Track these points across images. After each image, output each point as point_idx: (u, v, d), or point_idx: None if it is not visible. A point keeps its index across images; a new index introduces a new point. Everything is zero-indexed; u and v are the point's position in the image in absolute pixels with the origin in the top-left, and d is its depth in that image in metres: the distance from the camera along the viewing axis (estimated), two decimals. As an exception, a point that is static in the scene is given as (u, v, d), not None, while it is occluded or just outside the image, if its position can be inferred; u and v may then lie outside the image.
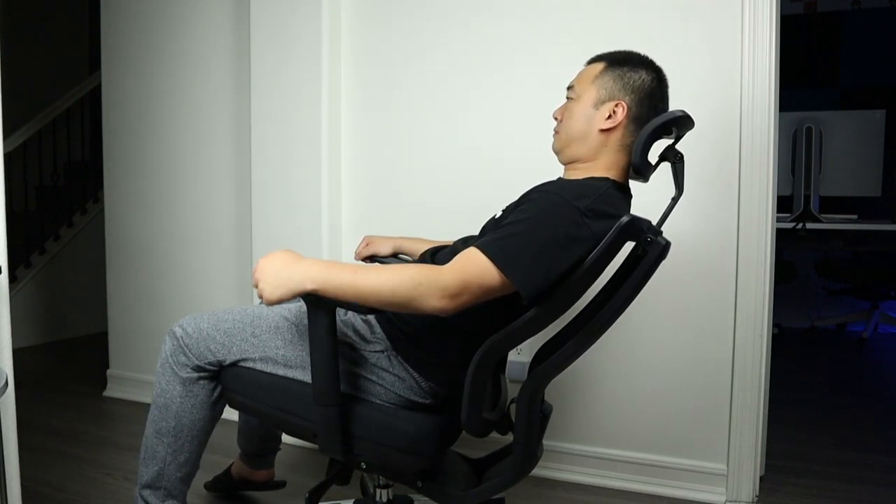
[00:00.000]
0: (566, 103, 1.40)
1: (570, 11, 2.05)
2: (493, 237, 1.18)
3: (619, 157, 1.34)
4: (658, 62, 1.94)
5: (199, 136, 2.71)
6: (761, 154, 1.87)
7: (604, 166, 1.34)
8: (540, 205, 1.21)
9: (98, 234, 3.43)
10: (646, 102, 1.33)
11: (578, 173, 1.35)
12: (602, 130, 1.33)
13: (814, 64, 4.60)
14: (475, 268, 1.14)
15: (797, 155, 3.78)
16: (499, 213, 1.38)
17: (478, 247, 1.16)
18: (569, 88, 1.40)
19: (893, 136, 3.97)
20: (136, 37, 2.80)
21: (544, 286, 1.16)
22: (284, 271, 1.16)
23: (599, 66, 1.37)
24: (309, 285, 1.14)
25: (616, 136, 1.33)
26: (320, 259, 1.19)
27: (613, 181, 1.32)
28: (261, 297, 1.17)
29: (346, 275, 1.14)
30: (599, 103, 1.34)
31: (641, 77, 1.33)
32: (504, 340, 1.22)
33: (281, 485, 1.93)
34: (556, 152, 1.41)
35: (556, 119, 1.41)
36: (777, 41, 1.91)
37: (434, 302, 1.12)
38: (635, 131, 1.32)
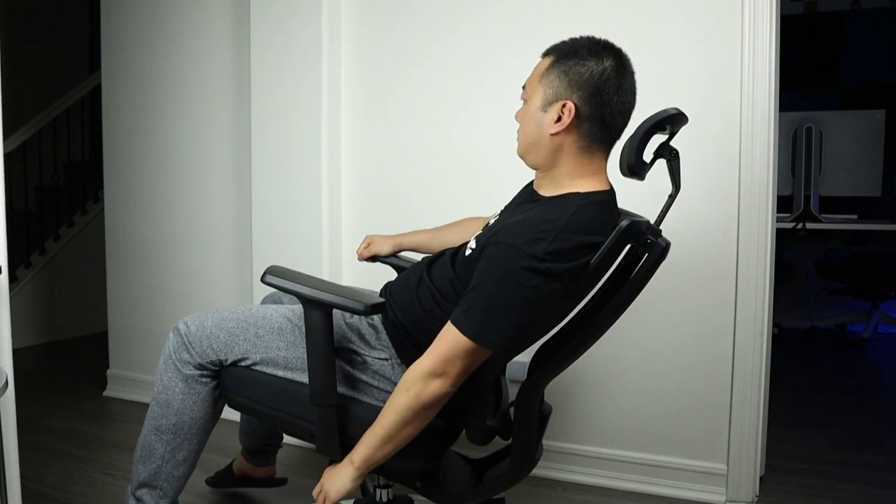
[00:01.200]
0: (522, 105, 1.30)
1: (570, 13, 2.05)
2: (460, 309, 1.18)
3: (581, 161, 1.24)
4: (659, 63, 1.96)
5: (200, 136, 2.71)
6: (761, 154, 1.87)
7: (567, 174, 1.25)
8: (496, 263, 1.15)
9: (98, 234, 3.43)
10: (596, 98, 1.20)
11: (545, 182, 1.30)
12: (553, 134, 1.23)
13: (814, 64, 4.60)
14: (449, 344, 1.17)
15: (797, 155, 3.78)
16: (467, 250, 1.30)
17: (451, 320, 1.18)
18: (523, 88, 1.30)
19: (893, 136, 3.97)
20: (136, 37, 2.80)
21: (521, 339, 1.19)
22: (338, 473, 1.27)
23: (547, 61, 1.25)
24: (357, 467, 1.24)
25: (571, 139, 1.23)
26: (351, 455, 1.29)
27: (584, 195, 1.22)
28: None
29: (368, 438, 1.23)
30: (547, 105, 1.23)
31: (589, 70, 1.20)
32: (499, 357, 1.22)
33: (282, 482, 1.93)
34: (521, 157, 1.33)
35: (517, 121, 1.32)
36: (777, 41, 1.91)
37: (431, 389, 1.17)
38: (591, 130, 1.22)
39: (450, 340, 1.17)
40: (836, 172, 3.78)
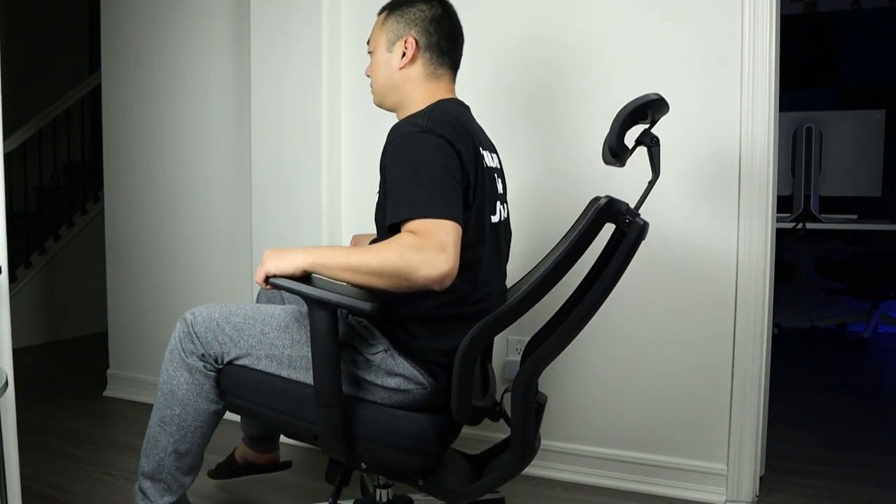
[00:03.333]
0: (370, 60, 1.49)
1: (570, 12, 2.05)
2: (392, 205, 1.22)
3: (430, 87, 1.44)
4: (658, 62, 1.96)
5: (199, 136, 2.70)
6: (761, 154, 1.87)
7: (422, 100, 1.42)
8: (395, 154, 1.27)
9: (98, 234, 3.43)
10: (432, 28, 1.43)
11: (406, 113, 1.42)
12: (402, 69, 1.43)
13: (814, 64, 4.60)
14: (430, 226, 1.16)
15: (797, 155, 3.77)
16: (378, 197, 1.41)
17: (388, 224, 1.21)
18: (367, 44, 1.50)
19: (893, 136, 3.97)
20: (136, 37, 2.80)
21: (458, 203, 1.21)
22: (288, 252, 1.26)
23: (383, 16, 1.48)
24: (308, 260, 1.23)
25: (418, 69, 1.44)
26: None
27: (436, 101, 1.40)
28: (260, 278, 1.25)
29: (340, 255, 1.23)
30: (391, 45, 1.44)
31: (420, 9, 1.43)
32: (489, 327, 1.23)
33: (287, 465, 1.92)
34: (379, 105, 1.51)
35: (367, 76, 1.51)
36: (777, 41, 1.91)
37: (425, 270, 1.14)
38: (433, 58, 1.44)
39: (424, 223, 1.16)
40: (836, 172, 3.78)
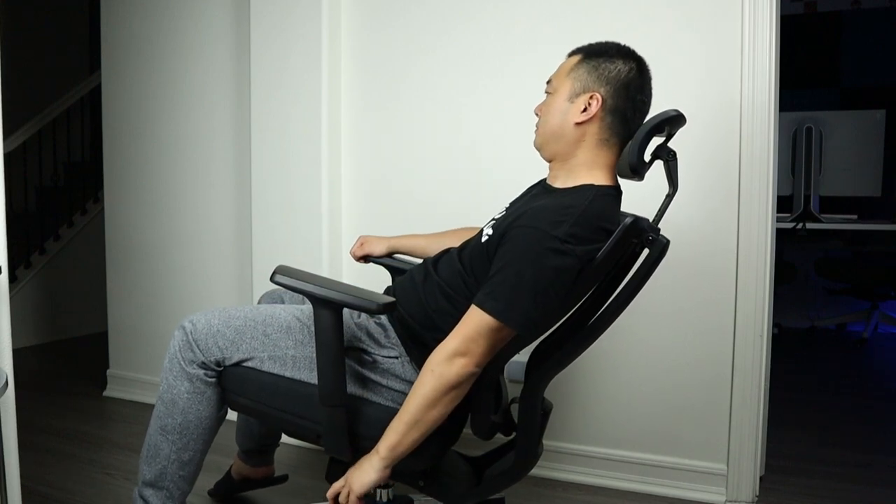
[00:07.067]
0: (545, 99, 1.38)
1: (571, 11, 2.05)
2: (485, 291, 1.21)
3: (599, 154, 1.32)
4: (659, 62, 1.93)
5: (199, 137, 2.70)
6: (761, 154, 1.87)
7: (585, 164, 1.32)
8: (519, 245, 1.20)
9: (98, 234, 3.43)
10: (622, 93, 1.29)
11: (560, 174, 1.35)
12: (577, 124, 1.30)
13: (814, 64, 4.60)
14: (474, 325, 1.20)
15: (797, 155, 3.78)
16: (483, 237, 1.34)
17: (474, 304, 1.21)
18: (547, 83, 1.38)
19: (893, 136, 3.97)
20: (136, 37, 2.80)
21: (542, 321, 1.22)
22: (363, 466, 1.26)
23: (575, 58, 1.34)
24: (383, 462, 1.23)
25: (593, 130, 1.30)
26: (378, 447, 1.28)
27: (598, 187, 1.29)
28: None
29: (395, 426, 1.23)
30: (574, 96, 1.31)
31: (617, 68, 1.29)
32: (510, 345, 1.24)
33: (282, 479, 1.92)
34: (538, 149, 1.39)
35: (536, 115, 1.39)
36: (777, 41, 1.91)
37: (455, 369, 1.19)
38: (613, 124, 1.30)
39: (474, 320, 1.20)
40: (836, 172, 3.78)
